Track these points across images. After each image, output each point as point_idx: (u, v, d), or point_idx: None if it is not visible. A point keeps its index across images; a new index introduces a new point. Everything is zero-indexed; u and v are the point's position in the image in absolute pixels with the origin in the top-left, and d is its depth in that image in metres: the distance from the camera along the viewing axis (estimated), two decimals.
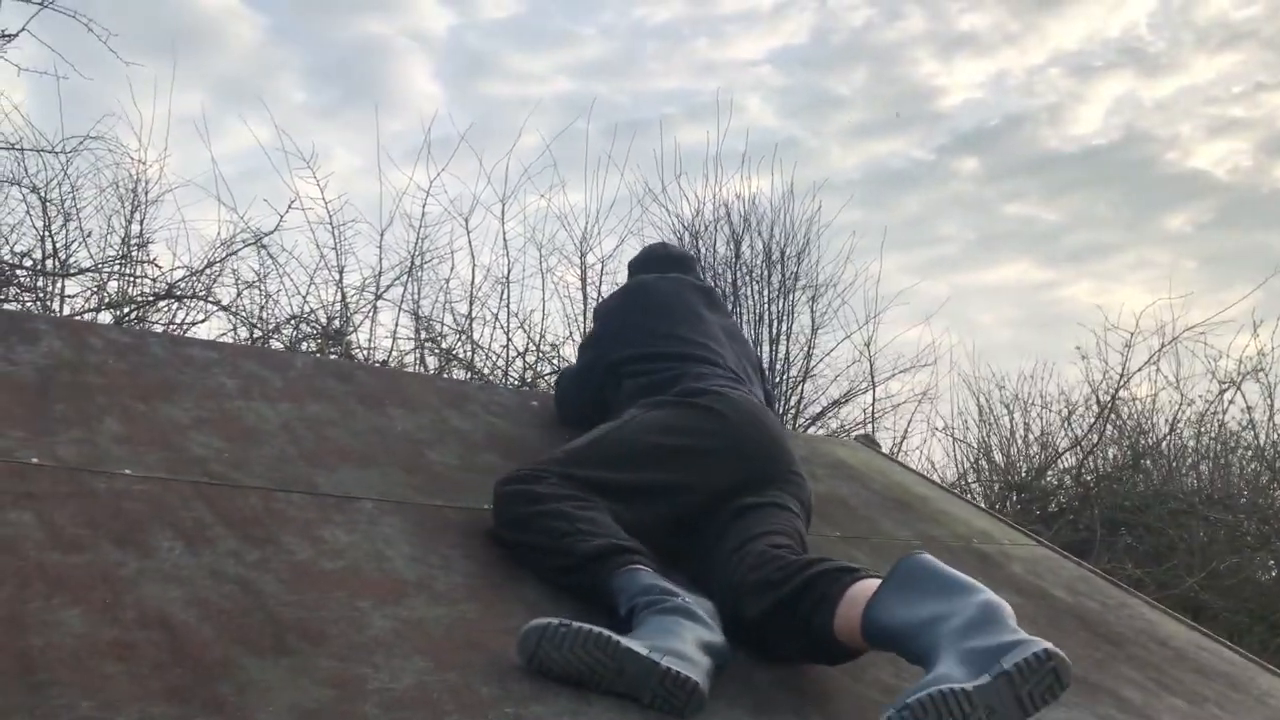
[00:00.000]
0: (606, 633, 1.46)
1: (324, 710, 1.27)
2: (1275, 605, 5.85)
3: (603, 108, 13.39)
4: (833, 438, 5.26)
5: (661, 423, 2.07)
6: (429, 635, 1.52)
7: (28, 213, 4.78)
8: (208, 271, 4.92)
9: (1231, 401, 7.04)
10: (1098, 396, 6.97)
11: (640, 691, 1.45)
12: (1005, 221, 11.19)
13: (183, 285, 4.85)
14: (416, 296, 5.55)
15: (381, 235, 5.41)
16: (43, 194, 4.74)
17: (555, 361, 5.81)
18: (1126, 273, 11.23)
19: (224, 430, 2.05)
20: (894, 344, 8.85)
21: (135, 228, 5.05)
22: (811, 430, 6.59)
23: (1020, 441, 7.35)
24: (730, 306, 6.64)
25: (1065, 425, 7.17)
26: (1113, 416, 7.04)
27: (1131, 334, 6.71)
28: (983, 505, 4.88)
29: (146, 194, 5.09)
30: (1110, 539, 6.20)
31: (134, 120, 6.04)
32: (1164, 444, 7.16)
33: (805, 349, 6.81)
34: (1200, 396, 7.08)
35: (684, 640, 1.52)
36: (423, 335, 5.58)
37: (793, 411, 6.68)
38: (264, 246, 5.04)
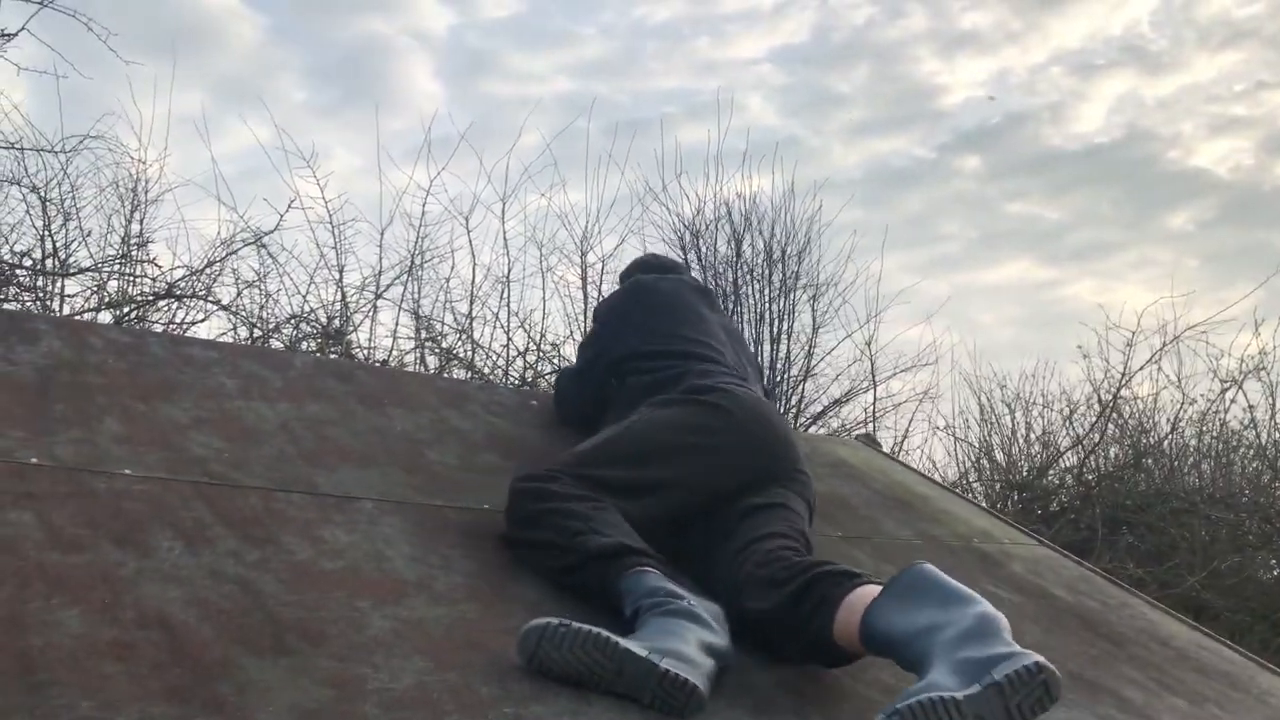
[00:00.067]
0: (606, 633, 1.46)
1: (324, 710, 1.27)
2: (1277, 604, 5.84)
3: (603, 107, 13.37)
4: (834, 437, 5.26)
5: (671, 421, 2.08)
6: (429, 635, 1.52)
7: (27, 212, 4.78)
8: (208, 271, 4.93)
9: (1233, 400, 7.04)
10: (1099, 395, 6.98)
11: (640, 692, 1.45)
12: (1007, 220, 11.19)
13: (183, 285, 4.85)
14: (417, 296, 5.55)
15: (381, 234, 5.41)
16: (42, 193, 4.74)
17: (556, 361, 5.81)
18: (1128, 271, 11.23)
19: (224, 430, 2.05)
20: (895, 343, 8.86)
21: (135, 227, 5.05)
22: (812, 429, 6.59)
23: (1021, 441, 7.35)
24: (731, 306, 6.64)
25: (1067, 424, 7.17)
26: (1114, 415, 7.04)
27: (1133, 333, 6.71)
28: (984, 505, 4.88)
29: (146, 193, 5.09)
30: (1111, 538, 6.19)
31: (134, 120, 6.02)
32: (1165, 443, 7.16)
33: (806, 348, 6.81)
34: (1202, 395, 7.08)
35: (685, 642, 1.52)
36: (423, 335, 5.58)
37: (794, 411, 6.68)
38: (264, 246, 5.04)
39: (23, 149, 4.58)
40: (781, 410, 6.48)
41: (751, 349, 6.35)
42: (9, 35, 4.13)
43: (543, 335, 5.87)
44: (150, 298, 4.81)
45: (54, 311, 4.58)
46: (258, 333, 5.01)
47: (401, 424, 2.36)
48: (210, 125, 6.55)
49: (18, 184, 4.69)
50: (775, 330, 6.71)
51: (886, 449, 4.41)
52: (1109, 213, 11.31)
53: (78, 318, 4.34)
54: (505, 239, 5.75)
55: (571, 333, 5.97)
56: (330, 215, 5.25)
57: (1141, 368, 6.85)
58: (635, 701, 1.45)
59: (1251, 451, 7.23)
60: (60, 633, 1.28)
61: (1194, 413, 7.06)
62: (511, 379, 5.67)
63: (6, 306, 4.34)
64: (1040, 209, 11.48)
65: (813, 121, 10.59)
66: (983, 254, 11.18)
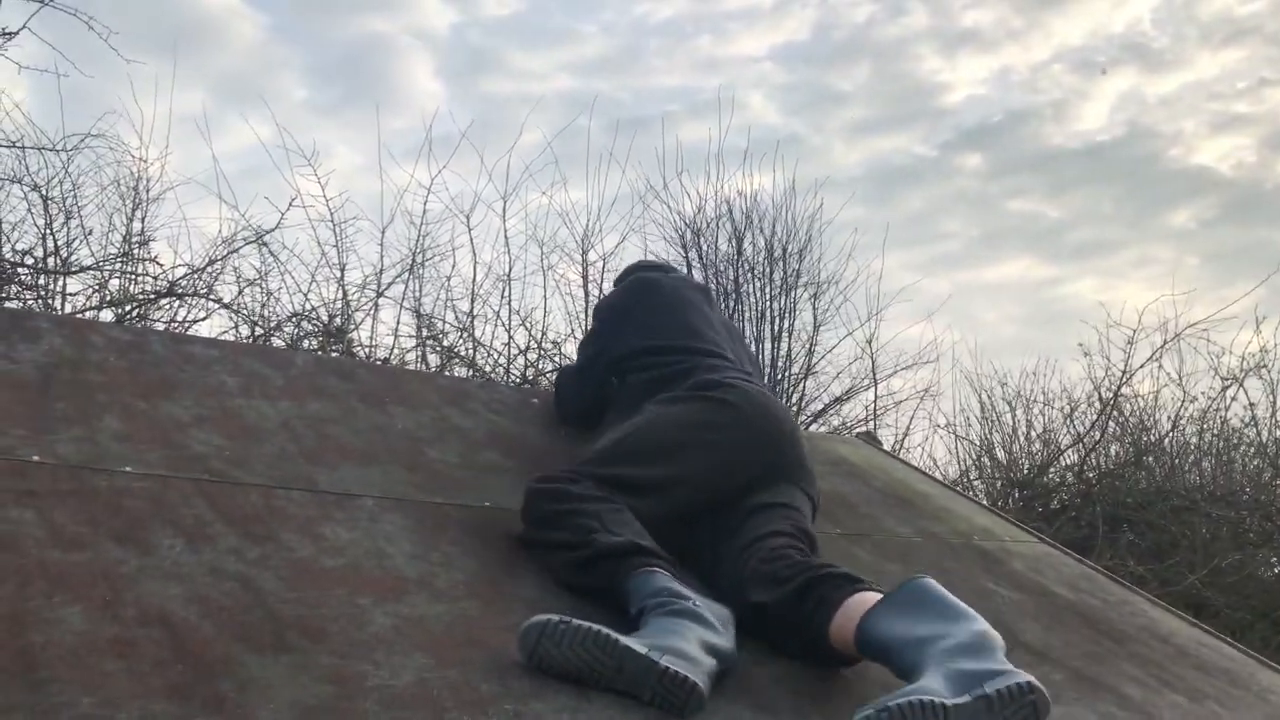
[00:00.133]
0: (606, 631, 1.46)
1: (324, 707, 1.27)
2: (1277, 602, 5.84)
3: (604, 105, 13.36)
4: (834, 435, 5.27)
5: (682, 417, 2.09)
6: (429, 632, 1.52)
7: (29, 211, 4.78)
8: (209, 269, 4.92)
9: (1234, 398, 7.04)
10: (1100, 393, 6.97)
11: (640, 690, 1.45)
12: (1008, 218, 11.18)
13: (184, 283, 4.85)
14: (418, 294, 5.54)
15: (383, 233, 5.40)
16: (44, 192, 4.74)
17: (557, 359, 5.81)
18: (1130, 269, 11.22)
19: (224, 428, 2.05)
20: (896, 341, 8.87)
21: (136, 225, 5.05)
22: (813, 427, 6.59)
23: (1022, 439, 7.35)
24: (732, 304, 6.64)
25: (1067, 422, 7.17)
26: (1115, 413, 7.03)
27: (1134, 331, 6.69)
28: (984, 502, 4.89)
29: (148, 192, 5.08)
30: (1112, 536, 6.19)
31: (135, 118, 6.02)
32: (1166, 441, 7.16)
33: (807, 346, 6.81)
34: (1203, 393, 7.07)
35: (686, 640, 1.53)
36: (424, 333, 5.58)
37: (794, 409, 6.67)
38: (265, 244, 5.04)
39: (24, 147, 4.59)
40: None
41: (752, 348, 6.37)
42: (10, 34, 4.13)
43: (544, 333, 5.87)
44: (152, 296, 4.81)
45: (55, 310, 4.59)
46: (259, 331, 5.01)
47: (403, 422, 2.36)
48: (211, 124, 6.54)
49: (19, 182, 4.69)
50: (776, 328, 6.71)
51: (887, 447, 4.41)
52: (1110, 211, 11.31)
53: (79, 316, 4.34)
54: (506, 237, 5.75)
55: (573, 331, 5.98)
56: (331, 213, 5.25)
57: (1142, 365, 6.84)
58: (635, 699, 1.45)
59: (1252, 449, 7.23)
60: (61, 630, 1.29)
61: (1195, 410, 7.06)
62: (512, 377, 5.67)
63: (8, 305, 4.35)
64: (1041, 207, 11.48)
65: (814, 119, 10.59)
66: (984, 252, 11.18)
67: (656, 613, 1.60)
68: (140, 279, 4.92)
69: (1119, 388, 6.84)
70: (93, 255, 4.90)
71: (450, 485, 2.11)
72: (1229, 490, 6.89)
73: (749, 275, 6.76)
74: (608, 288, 5.80)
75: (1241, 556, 6.06)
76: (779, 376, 6.60)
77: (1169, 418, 7.11)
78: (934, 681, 1.41)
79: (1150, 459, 7.08)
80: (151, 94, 7.21)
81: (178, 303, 4.84)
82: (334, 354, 4.90)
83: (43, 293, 4.71)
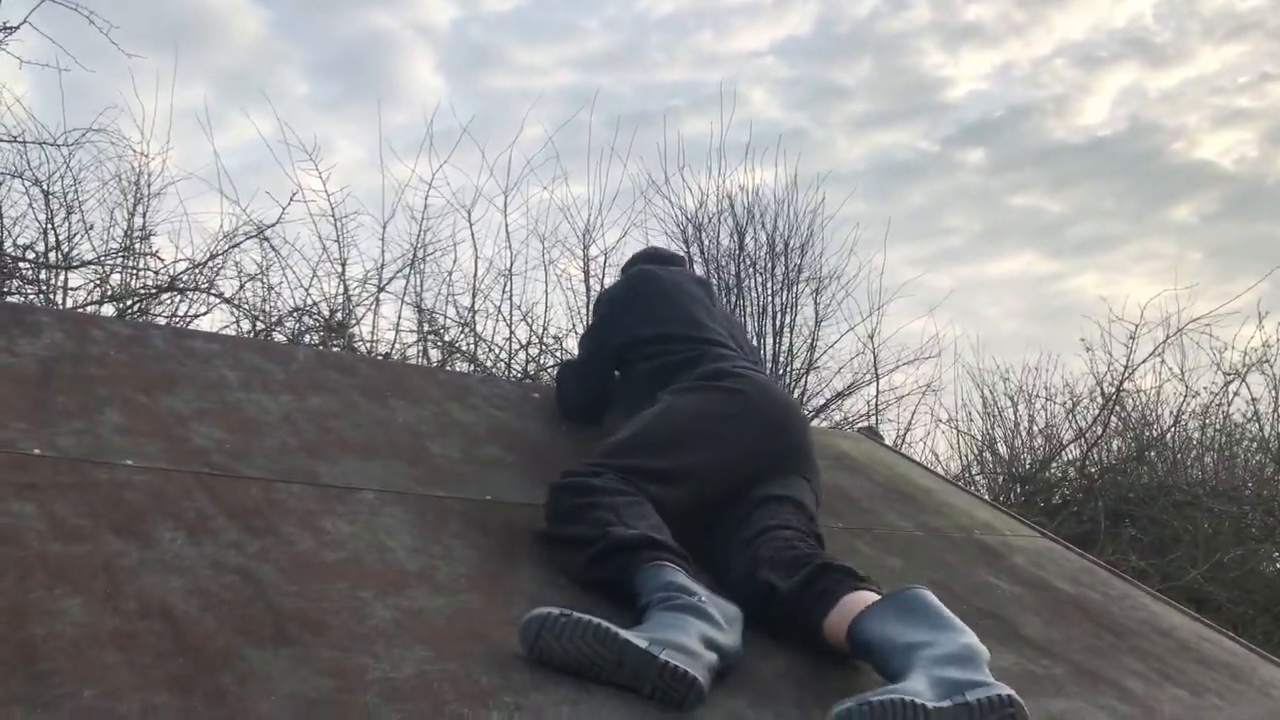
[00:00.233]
0: (606, 624, 1.46)
1: (325, 700, 1.27)
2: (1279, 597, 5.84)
3: (606, 100, 13.36)
4: (836, 430, 5.26)
5: (698, 407, 2.12)
6: (430, 625, 1.52)
7: (30, 205, 4.78)
8: (210, 264, 4.92)
9: (1236, 393, 7.04)
10: (1102, 388, 6.96)
11: (640, 683, 1.45)
12: (1010, 213, 11.17)
13: (185, 278, 4.85)
14: (419, 289, 5.55)
15: (384, 227, 5.41)
16: (45, 187, 4.74)
17: (558, 354, 5.81)
18: (1132, 264, 11.22)
19: (225, 422, 2.05)
20: (898, 336, 8.89)
21: (138, 220, 5.05)
22: (815, 422, 6.58)
23: (1024, 434, 7.35)
24: (734, 299, 6.64)
25: (1069, 417, 7.17)
26: (1117, 408, 7.03)
27: (1136, 326, 6.69)
28: (986, 497, 4.88)
29: (149, 187, 5.08)
30: (1114, 531, 6.19)
31: (136, 113, 6.05)
32: (1168, 436, 7.16)
33: (809, 341, 6.80)
34: (1205, 388, 7.08)
35: (687, 634, 1.53)
36: (425, 328, 5.58)
37: None
38: (266, 239, 5.04)
39: (25, 142, 4.59)
40: None
41: (754, 343, 6.36)
42: (11, 28, 4.13)
43: (545, 328, 5.87)
44: (153, 291, 4.81)
45: (57, 305, 4.59)
46: (260, 326, 5.01)
47: (404, 416, 2.36)
48: (213, 119, 6.54)
49: (20, 177, 4.69)
50: (778, 323, 6.71)
51: (889, 442, 4.40)
52: (1112, 205, 11.30)
53: (80, 310, 4.34)
54: (508, 232, 5.75)
55: (574, 326, 5.98)
56: (333, 208, 5.26)
57: (1144, 360, 6.85)
58: (635, 692, 1.45)
59: (1254, 444, 7.23)
60: (62, 622, 1.29)
61: (1197, 405, 7.07)
62: (514, 372, 5.67)
63: (9, 299, 4.35)
64: (1044, 202, 11.46)
65: (816, 114, 10.58)
66: (986, 247, 11.17)
67: (660, 607, 1.61)
68: (141, 274, 4.93)
69: (1121, 383, 6.84)
70: (94, 250, 4.91)
71: (451, 479, 2.11)
72: (1231, 485, 6.89)
73: (751, 270, 6.75)
74: (609, 282, 5.80)
75: (1243, 551, 6.06)
76: (780, 372, 6.59)
77: (1171, 413, 7.12)
78: (918, 684, 1.44)
79: (1152, 454, 7.08)
80: (153, 89, 7.22)
81: (179, 297, 4.84)
82: (335, 349, 4.90)
83: (44, 287, 4.71)
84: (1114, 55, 11.59)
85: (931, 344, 7.10)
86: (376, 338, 5.37)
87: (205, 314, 4.92)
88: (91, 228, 4.91)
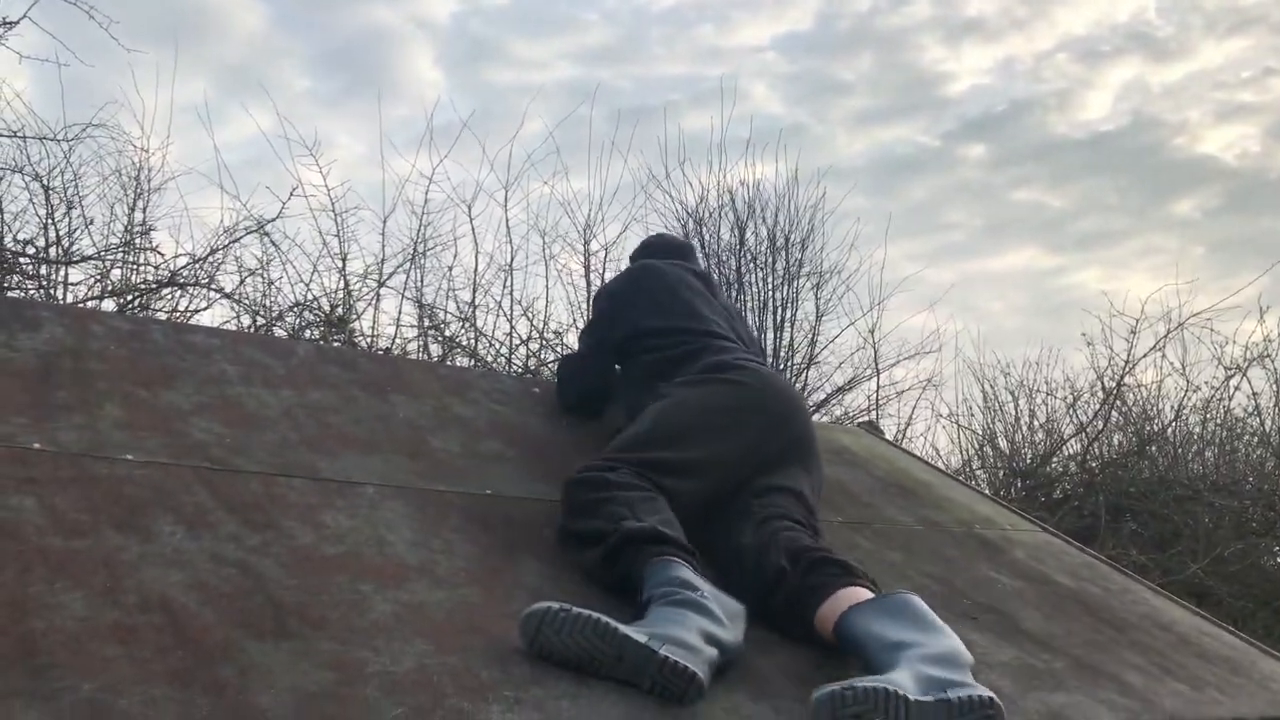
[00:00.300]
0: (605, 619, 1.46)
1: (325, 693, 1.27)
2: None
3: (606, 94, 13.35)
4: (836, 424, 5.26)
5: (706, 400, 2.14)
6: (430, 619, 1.52)
7: (30, 200, 4.77)
8: (210, 259, 4.91)
9: (1237, 388, 7.04)
10: (1103, 383, 6.96)
11: (639, 678, 1.45)
12: (1012, 208, 11.15)
13: (185, 273, 4.84)
14: (419, 284, 5.54)
15: (384, 222, 5.40)
16: (45, 182, 4.74)
17: (559, 349, 5.81)
18: (1134, 259, 11.20)
19: (225, 416, 2.05)
20: (899, 331, 8.89)
21: (138, 215, 5.05)
22: (816, 417, 6.58)
23: (1025, 428, 7.35)
24: (735, 293, 6.63)
25: (1070, 412, 7.16)
26: (1118, 403, 7.03)
27: (1137, 320, 6.69)
28: (987, 492, 4.88)
29: (149, 181, 5.07)
30: (1115, 525, 6.19)
31: (136, 108, 6.04)
32: (1169, 430, 7.15)
33: (810, 336, 6.80)
34: (1206, 383, 7.07)
35: (687, 630, 1.53)
36: (426, 323, 5.57)
37: None
38: (267, 234, 5.03)
39: (25, 137, 4.59)
40: None
41: (755, 334, 6.36)
42: (11, 23, 4.13)
43: (545, 323, 5.87)
44: (153, 286, 4.81)
45: (57, 300, 4.59)
46: (261, 321, 5.01)
47: (404, 411, 2.36)
48: (213, 114, 6.55)
49: (20, 172, 4.69)
50: (779, 318, 6.71)
51: (889, 436, 4.41)
52: (1114, 200, 11.28)
53: (80, 305, 4.34)
54: (508, 227, 5.74)
55: (575, 321, 5.98)
56: (333, 203, 5.25)
57: (1146, 355, 6.84)
58: (635, 687, 1.45)
59: (1255, 439, 7.22)
60: (62, 616, 1.29)
61: (1198, 400, 7.06)
62: (514, 367, 5.67)
63: (9, 294, 4.35)
64: (1045, 197, 11.45)
65: (817, 109, 10.56)
66: (987, 242, 11.15)
67: (661, 602, 1.61)
68: (141, 269, 4.92)
69: (1122, 377, 6.83)
70: (94, 245, 4.90)
71: (452, 473, 2.11)
72: (1232, 480, 6.89)
73: (751, 265, 6.75)
74: (610, 277, 5.80)
75: (1244, 546, 6.06)
76: (781, 366, 6.59)
77: (1172, 407, 7.12)
78: (902, 678, 1.47)
79: (1153, 448, 7.07)
80: (153, 84, 7.21)
81: (179, 292, 4.83)
82: (335, 344, 4.90)
83: (44, 282, 4.71)
84: (1116, 50, 11.57)
85: (932, 339, 7.13)
86: (377, 333, 5.37)
87: (205, 309, 4.92)
88: (92, 223, 4.91)
